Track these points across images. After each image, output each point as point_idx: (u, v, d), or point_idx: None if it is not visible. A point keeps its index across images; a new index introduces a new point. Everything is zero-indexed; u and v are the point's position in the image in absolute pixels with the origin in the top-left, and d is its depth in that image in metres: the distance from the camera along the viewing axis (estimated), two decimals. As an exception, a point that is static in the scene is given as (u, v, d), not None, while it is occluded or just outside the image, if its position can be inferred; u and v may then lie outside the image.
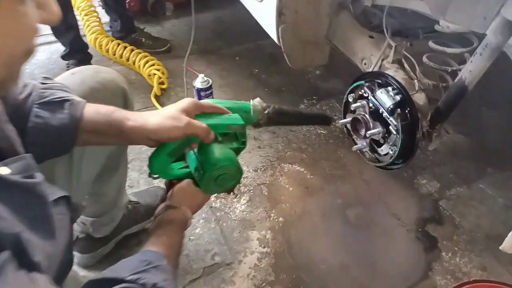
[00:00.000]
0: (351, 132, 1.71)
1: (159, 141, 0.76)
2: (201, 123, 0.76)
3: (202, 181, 0.81)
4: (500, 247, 1.07)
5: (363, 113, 1.56)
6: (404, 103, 1.39)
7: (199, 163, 0.81)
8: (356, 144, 1.70)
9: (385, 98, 1.41)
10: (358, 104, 1.56)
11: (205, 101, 0.83)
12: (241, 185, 1.69)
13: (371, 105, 1.50)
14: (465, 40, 1.49)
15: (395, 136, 1.43)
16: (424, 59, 1.45)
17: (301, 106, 2.18)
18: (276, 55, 2.41)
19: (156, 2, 2.90)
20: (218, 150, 0.81)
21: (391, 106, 1.39)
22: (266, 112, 0.87)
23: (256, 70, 2.45)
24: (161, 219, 0.77)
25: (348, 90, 1.63)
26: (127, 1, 2.74)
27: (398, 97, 1.39)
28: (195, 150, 0.82)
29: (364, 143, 1.64)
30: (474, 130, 1.99)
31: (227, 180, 0.83)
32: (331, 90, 2.31)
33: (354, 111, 1.62)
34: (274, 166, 1.82)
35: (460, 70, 1.33)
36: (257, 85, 2.33)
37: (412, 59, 1.50)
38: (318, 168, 1.81)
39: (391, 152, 1.50)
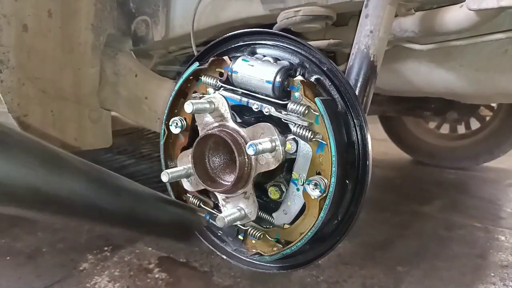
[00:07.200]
0: (200, 196, 0.77)
1: None
2: None
3: None
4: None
5: (219, 121, 0.69)
6: (306, 64, 0.65)
7: None
8: (219, 212, 0.73)
9: (257, 68, 0.65)
10: (201, 102, 0.68)
11: None
12: None
13: (231, 95, 0.70)
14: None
15: (307, 148, 0.62)
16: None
17: (84, 266, 1.17)
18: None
19: None
20: None
21: (279, 76, 0.62)
22: None
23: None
24: None
25: (167, 108, 0.76)
26: None
27: (285, 62, 0.65)
28: None
29: (241, 203, 0.68)
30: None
31: None
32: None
33: (191, 141, 0.74)
34: None
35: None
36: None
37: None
38: None
39: (314, 193, 0.61)
